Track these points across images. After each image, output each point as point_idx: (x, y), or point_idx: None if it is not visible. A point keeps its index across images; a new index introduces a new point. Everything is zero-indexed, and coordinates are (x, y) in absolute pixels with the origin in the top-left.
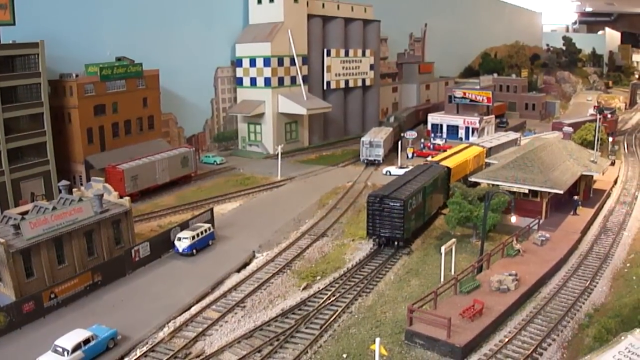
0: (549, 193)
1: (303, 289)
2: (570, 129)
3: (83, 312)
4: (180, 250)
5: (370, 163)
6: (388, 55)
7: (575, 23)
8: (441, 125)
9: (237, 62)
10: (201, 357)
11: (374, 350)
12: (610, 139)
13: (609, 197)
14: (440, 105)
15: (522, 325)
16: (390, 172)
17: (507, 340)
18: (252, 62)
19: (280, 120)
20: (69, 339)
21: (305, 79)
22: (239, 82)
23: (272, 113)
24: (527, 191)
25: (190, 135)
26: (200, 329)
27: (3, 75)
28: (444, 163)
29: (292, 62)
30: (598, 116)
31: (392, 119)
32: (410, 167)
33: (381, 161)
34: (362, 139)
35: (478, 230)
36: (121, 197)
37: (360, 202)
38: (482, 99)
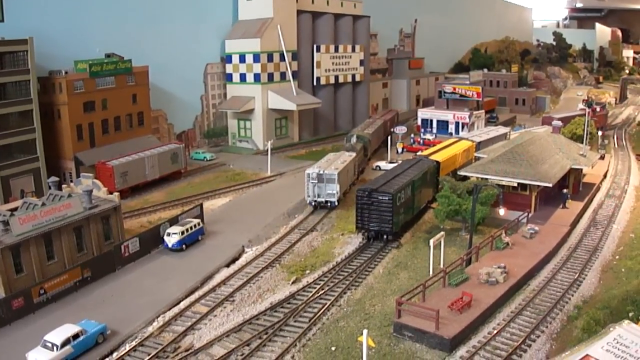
0: (538, 186)
1: (292, 282)
2: (560, 123)
3: (72, 308)
4: (170, 245)
5: (321, 206)
6: (378, 51)
7: (565, 19)
8: (431, 120)
9: (227, 58)
10: (190, 351)
11: (362, 342)
12: (600, 133)
13: (598, 191)
14: (431, 101)
15: (510, 317)
16: (379, 167)
17: (495, 332)
18: (242, 58)
19: (270, 116)
20: (58, 334)
21: (294, 74)
22: (229, 78)
23: (262, 109)
24: (516, 184)
25: (180, 132)
26: (189, 323)
27: None
28: (433, 157)
29: (282, 58)
30: (587, 110)
31: (354, 140)
32: (400, 162)
33: (336, 203)
34: (307, 171)
35: (467, 223)
36: (110, 193)
37: (350, 197)
38: (472, 94)
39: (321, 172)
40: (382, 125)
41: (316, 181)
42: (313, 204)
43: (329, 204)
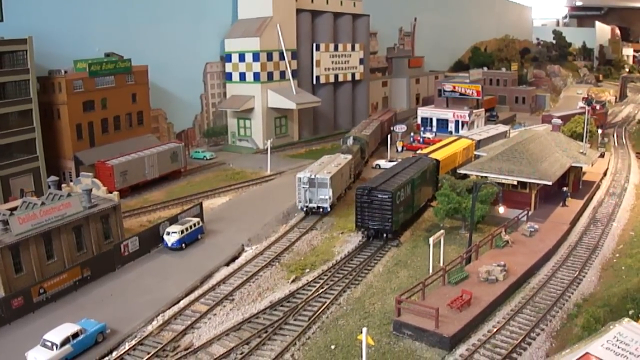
0: (538, 184)
1: (292, 281)
2: (560, 121)
3: (72, 307)
4: (170, 244)
5: (313, 212)
6: (378, 49)
7: (565, 17)
8: (431, 119)
9: (227, 57)
10: (190, 350)
11: (362, 341)
12: (600, 131)
13: (598, 189)
14: (430, 99)
15: (510, 316)
16: (379, 166)
17: (495, 330)
18: (241, 57)
19: (269, 115)
20: (58, 333)
21: (294, 73)
22: (228, 77)
23: (262, 108)
24: (515, 183)
25: (180, 131)
26: (189, 322)
27: None
28: (432, 155)
29: (281, 57)
30: (587, 108)
31: (350, 141)
32: (400, 160)
33: (328, 209)
34: (298, 175)
35: (467, 221)
36: (110, 192)
37: (350, 195)
38: (472, 93)
39: (312, 176)
40: (380, 126)
41: (307, 186)
42: (304, 209)
43: (321, 210)
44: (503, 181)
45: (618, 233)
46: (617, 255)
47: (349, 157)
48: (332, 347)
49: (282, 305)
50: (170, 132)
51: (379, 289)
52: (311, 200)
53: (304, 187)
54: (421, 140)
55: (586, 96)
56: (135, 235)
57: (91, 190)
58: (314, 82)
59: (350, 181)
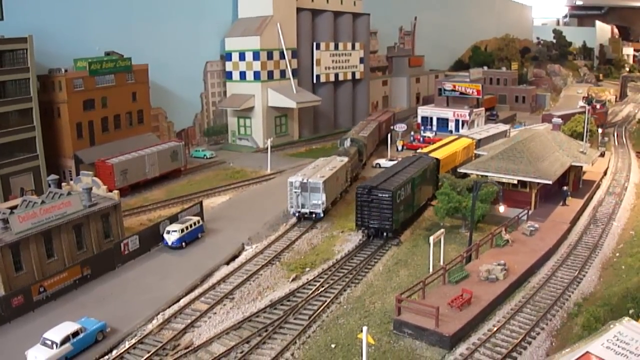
0: (538, 184)
1: (292, 280)
2: (560, 120)
3: (72, 306)
4: (170, 243)
5: (306, 217)
6: (378, 48)
7: (565, 16)
8: (431, 118)
9: (227, 56)
10: (190, 349)
11: (362, 340)
12: (600, 130)
13: (598, 188)
14: (431, 98)
15: (510, 315)
16: (380, 165)
17: (495, 329)
18: (242, 56)
19: (270, 113)
20: (58, 332)
21: (294, 72)
22: (229, 76)
23: (262, 107)
24: (516, 182)
25: (180, 130)
26: (189, 321)
27: None
28: (433, 154)
29: (282, 56)
30: (587, 107)
31: (347, 143)
32: (400, 159)
33: (322, 214)
34: (290, 179)
35: (467, 220)
36: (110, 191)
37: (350, 194)
38: (472, 92)
39: (305, 180)
40: (378, 127)
41: (299, 190)
42: (297, 215)
43: (313, 216)
44: (503, 180)
45: (618, 232)
46: (618, 254)
47: (345, 159)
48: (333, 346)
49: (282, 304)
50: (170, 131)
51: (379, 288)
52: (304, 205)
53: (295, 192)
54: (421, 139)
55: (586, 95)
56: (135, 234)
57: (91, 189)
58: (314, 81)
59: (347, 184)
